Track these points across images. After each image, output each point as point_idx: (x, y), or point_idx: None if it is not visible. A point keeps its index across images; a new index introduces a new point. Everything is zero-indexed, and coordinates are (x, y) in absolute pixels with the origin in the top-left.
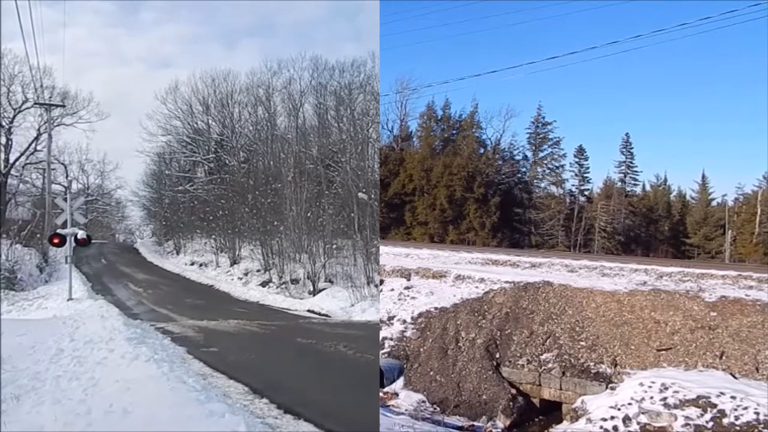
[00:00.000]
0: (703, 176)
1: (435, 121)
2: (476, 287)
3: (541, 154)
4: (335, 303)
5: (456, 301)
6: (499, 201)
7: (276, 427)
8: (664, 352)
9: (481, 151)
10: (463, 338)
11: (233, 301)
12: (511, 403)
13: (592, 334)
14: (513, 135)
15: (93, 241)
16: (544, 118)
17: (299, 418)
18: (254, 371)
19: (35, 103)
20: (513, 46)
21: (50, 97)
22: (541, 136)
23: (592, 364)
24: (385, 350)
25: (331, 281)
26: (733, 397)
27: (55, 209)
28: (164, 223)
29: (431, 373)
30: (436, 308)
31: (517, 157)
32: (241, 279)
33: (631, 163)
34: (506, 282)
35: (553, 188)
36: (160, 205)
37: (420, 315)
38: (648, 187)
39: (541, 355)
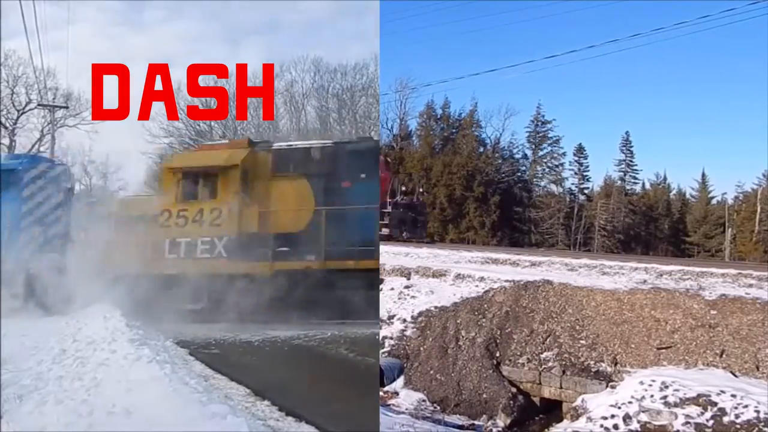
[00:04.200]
0: (703, 174)
1: (434, 120)
2: (476, 286)
3: (541, 153)
4: None
5: (456, 299)
6: (499, 200)
7: (278, 429)
8: (664, 350)
9: (481, 149)
10: (463, 337)
11: None
12: (511, 402)
13: (592, 333)
14: (512, 134)
15: None
16: (543, 116)
17: (300, 421)
18: (256, 373)
19: (38, 105)
20: (512, 44)
21: (53, 99)
22: (540, 134)
23: (592, 362)
24: (385, 349)
25: None
26: (733, 396)
27: None
28: None
29: (431, 372)
30: (436, 307)
31: (517, 156)
32: None
33: (631, 161)
34: (506, 281)
35: (553, 187)
36: None
37: (420, 314)
38: (648, 186)
39: (542, 353)
